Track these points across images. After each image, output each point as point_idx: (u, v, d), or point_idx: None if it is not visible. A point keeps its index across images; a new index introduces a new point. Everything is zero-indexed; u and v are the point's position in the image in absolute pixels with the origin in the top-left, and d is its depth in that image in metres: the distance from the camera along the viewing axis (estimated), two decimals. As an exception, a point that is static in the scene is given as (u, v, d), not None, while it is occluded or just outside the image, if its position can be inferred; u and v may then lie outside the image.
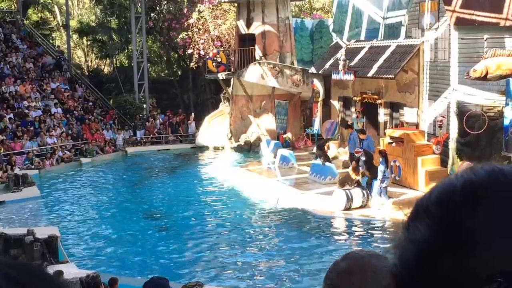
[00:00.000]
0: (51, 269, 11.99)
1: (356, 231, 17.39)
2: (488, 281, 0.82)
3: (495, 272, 0.83)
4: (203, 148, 31.70)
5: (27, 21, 41.61)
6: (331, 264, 1.63)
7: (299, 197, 19.88)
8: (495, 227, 0.84)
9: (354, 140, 22.25)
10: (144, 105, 35.93)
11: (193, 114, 34.91)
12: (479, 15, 19.62)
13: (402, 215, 16.99)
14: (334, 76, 25.53)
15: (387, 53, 23.32)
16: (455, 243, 0.86)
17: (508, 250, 0.83)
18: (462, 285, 0.84)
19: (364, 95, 25.30)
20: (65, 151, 28.69)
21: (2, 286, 0.82)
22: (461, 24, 19.60)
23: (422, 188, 19.27)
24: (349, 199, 18.14)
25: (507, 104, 17.39)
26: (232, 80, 31.35)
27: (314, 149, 24.25)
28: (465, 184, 0.89)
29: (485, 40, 17.70)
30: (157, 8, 37.78)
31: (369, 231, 17.29)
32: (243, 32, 30.36)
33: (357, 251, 1.67)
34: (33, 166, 26.22)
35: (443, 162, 19.82)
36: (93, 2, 44.45)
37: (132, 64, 37.39)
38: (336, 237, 16.85)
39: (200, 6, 33.67)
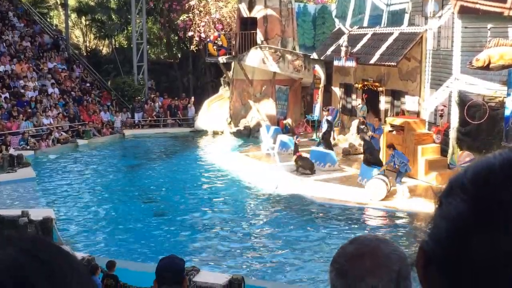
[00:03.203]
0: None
1: (357, 218, 17.29)
2: None
3: None
4: (202, 132, 31.55)
5: (25, -1, 41.16)
6: (338, 249, 1.60)
7: (298, 183, 19.76)
8: None
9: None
10: (143, 88, 35.65)
11: (192, 97, 34.64)
12: (483, 4, 19.43)
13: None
14: (335, 63, 25.38)
15: (390, 40, 23.18)
16: (490, 220, 0.85)
17: None
18: (495, 262, 0.83)
19: (365, 82, 25.14)
20: (62, 132, 28.45)
21: (17, 259, 0.83)
22: (465, 12, 19.43)
23: (421, 177, 19.23)
24: (388, 186, 17.83)
25: (508, 95, 17.41)
26: (232, 64, 31.12)
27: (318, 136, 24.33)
28: (504, 161, 0.89)
29: (489, 30, 17.60)
30: (158, -12, 37.46)
31: (369, 218, 17.25)
32: (244, 15, 30.09)
33: (365, 235, 1.64)
34: (28, 147, 26.00)
35: (443, 151, 19.79)
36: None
37: (132, 45, 37.08)
38: (335, 224, 16.74)
39: (201, -12, 33.41)
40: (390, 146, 18.54)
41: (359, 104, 25.10)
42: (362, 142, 20.32)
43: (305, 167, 20.47)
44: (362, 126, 21.49)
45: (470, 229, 0.86)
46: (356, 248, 1.58)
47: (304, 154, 21.35)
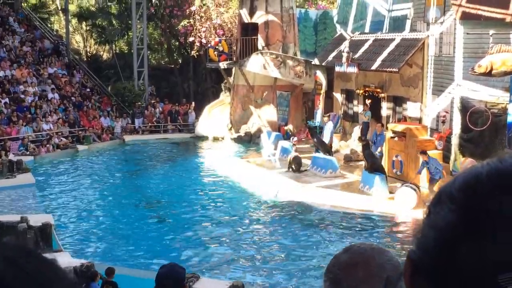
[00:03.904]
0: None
1: (358, 225, 17.14)
2: (510, 268, 0.82)
3: None
4: (202, 138, 31.41)
5: (25, 4, 41.07)
6: (332, 258, 1.59)
7: (299, 190, 19.64)
8: None
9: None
10: (144, 93, 35.54)
11: (193, 103, 34.51)
12: (485, 10, 19.35)
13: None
14: (337, 68, 25.27)
15: (392, 46, 23.08)
16: (478, 229, 0.85)
17: None
18: (482, 272, 0.83)
19: (367, 88, 25.04)
20: (61, 138, 28.33)
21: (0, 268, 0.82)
22: (467, 18, 19.34)
23: (423, 183, 19.03)
24: (418, 194, 17.43)
25: (511, 101, 17.29)
26: (233, 69, 31.04)
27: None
28: (491, 171, 0.88)
29: (491, 36, 17.51)
30: (159, -6, 37.40)
31: (371, 225, 17.07)
32: (246, 21, 30.03)
33: (359, 244, 1.62)
34: (28, 152, 25.86)
35: (446, 158, 19.63)
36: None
37: (132, 50, 36.99)
38: (336, 231, 16.61)
39: (202, -6, 33.35)
40: (424, 152, 18.07)
41: (363, 110, 24.93)
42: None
43: (293, 164, 21.61)
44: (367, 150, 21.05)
45: (458, 239, 0.86)
46: (350, 258, 1.56)
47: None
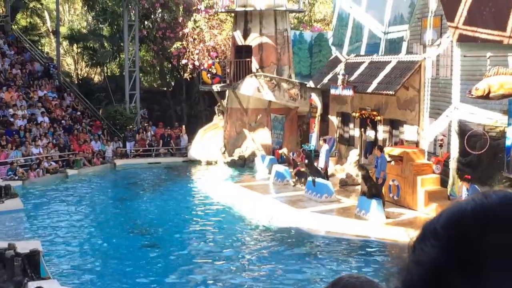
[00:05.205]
0: (32, 286, 11.72)
1: (352, 252, 16.76)
2: None
3: None
4: (195, 162, 30.96)
5: (15, 26, 40.69)
6: None
7: (294, 215, 19.27)
8: (505, 251, 0.84)
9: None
10: (135, 116, 35.10)
11: (183, 126, 34.04)
12: (482, 33, 19.33)
13: (407, 237, 16.37)
14: (332, 91, 25.08)
15: (388, 68, 22.93)
16: (462, 264, 0.85)
17: None
18: None
19: (363, 111, 24.76)
20: (51, 162, 27.84)
21: None
22: (464, 41, 19.31)
23: (421, 208, 18.82)
24: None
25: (509, 124, 17.34)
26: (227, 92, 30.78)
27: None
28: (476, 207, 0.89)
29: (488, 58, 17.35)
30: (151, 16, 37.19)
31: (367, 252, 16.68)
32: (239, 43, 29.81)
33: (348, 277, 1.53)
34: (16, 177, 25.43)
35: (443, 182, 19.45)
36: (85, 8, 43.64)
37: (124, 73, 36.58)
38: (332, 258, 16.27)
39: (196, 16, 33.20)
40: (467, 179, 17.10)
41: (367, 132, 24.53)
42: (360, 173, 19.61)
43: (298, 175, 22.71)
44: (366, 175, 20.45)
45: (443, 275, 0.86)
46: None
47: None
